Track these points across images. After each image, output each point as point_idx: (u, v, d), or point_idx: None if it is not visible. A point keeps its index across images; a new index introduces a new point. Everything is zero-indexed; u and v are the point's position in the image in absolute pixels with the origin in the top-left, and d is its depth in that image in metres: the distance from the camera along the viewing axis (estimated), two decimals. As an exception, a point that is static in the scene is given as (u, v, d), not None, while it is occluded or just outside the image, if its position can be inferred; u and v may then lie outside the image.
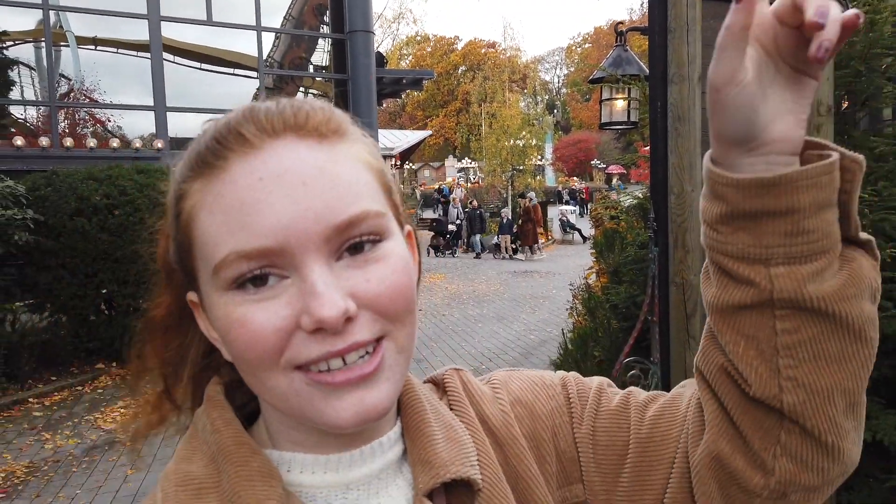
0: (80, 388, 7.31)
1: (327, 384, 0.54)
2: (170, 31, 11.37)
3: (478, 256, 19.75)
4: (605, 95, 5.04)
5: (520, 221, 19.82)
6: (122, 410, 6.49)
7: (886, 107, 3.52)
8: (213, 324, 0.59)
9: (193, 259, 0.58)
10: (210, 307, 0.57)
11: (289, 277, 0.53)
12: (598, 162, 44.80)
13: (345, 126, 0.59)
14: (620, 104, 4.94)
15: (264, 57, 12.36)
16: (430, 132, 40.70)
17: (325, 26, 13.68)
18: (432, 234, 20.86)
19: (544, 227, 23.72)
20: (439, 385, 0.75)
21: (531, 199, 20.95)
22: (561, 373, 0.79)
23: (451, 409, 0.71)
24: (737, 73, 0.51)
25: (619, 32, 5.18)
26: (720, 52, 0.52)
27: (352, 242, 0.55)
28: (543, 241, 22.78)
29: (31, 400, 6.83)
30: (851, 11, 0.48)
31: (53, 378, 7.39)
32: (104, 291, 7.81)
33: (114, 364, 7.77)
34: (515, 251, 19.69)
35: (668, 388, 2.66)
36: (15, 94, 11.13)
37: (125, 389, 6.90)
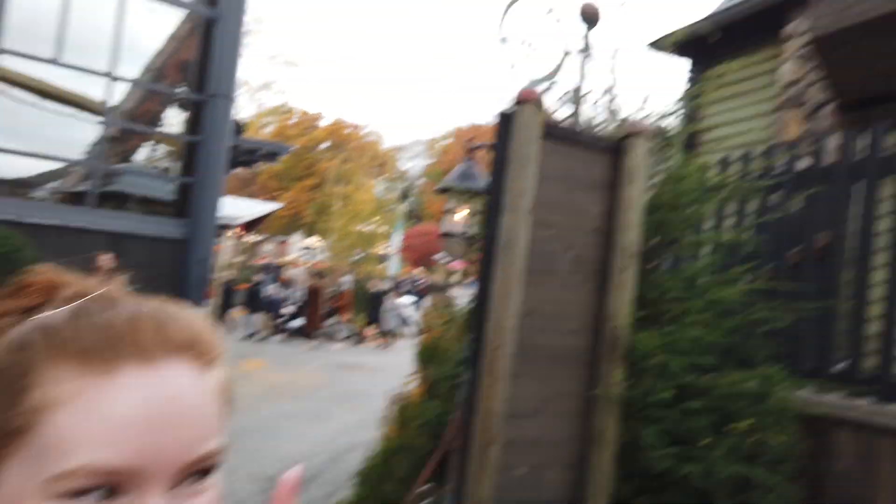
0: None
1: None
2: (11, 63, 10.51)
3: (249, 337, 17.77)
4: (450, 205, 5.29)
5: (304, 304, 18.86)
6: None
7: (688, 253, 4.00)
8: None
9: (9, 443, 0.53)
10: (14, 495, 0.52)
11: (118, 497, 0.52)
12: (444, 255, 45.95)
13: (218, 350, 0.61)
14: (459, 216, 5.21)
15: (113, 104, 11.72)
16: (280, 205, 40.06)
17: (185, 84, 13.32)
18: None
19: (361, 314, 22.04)
20: None
21: (341, 285, 20.52)
22: None
23: None
24: None
25: (469, 148, 5.53)
26: None
27: (187, 475, 0.56)
28: (375, 331, 21.23)
29: None
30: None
31: None
32: None
33: None
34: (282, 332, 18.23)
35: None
36: None
37: None
